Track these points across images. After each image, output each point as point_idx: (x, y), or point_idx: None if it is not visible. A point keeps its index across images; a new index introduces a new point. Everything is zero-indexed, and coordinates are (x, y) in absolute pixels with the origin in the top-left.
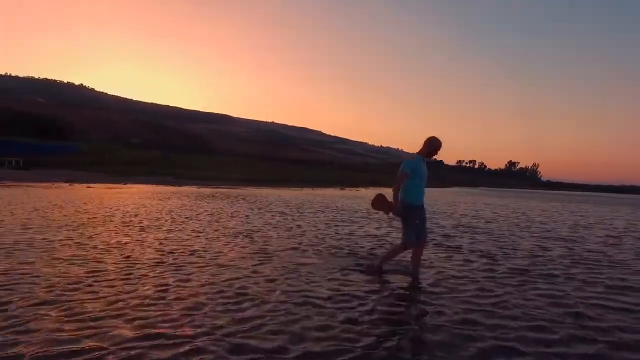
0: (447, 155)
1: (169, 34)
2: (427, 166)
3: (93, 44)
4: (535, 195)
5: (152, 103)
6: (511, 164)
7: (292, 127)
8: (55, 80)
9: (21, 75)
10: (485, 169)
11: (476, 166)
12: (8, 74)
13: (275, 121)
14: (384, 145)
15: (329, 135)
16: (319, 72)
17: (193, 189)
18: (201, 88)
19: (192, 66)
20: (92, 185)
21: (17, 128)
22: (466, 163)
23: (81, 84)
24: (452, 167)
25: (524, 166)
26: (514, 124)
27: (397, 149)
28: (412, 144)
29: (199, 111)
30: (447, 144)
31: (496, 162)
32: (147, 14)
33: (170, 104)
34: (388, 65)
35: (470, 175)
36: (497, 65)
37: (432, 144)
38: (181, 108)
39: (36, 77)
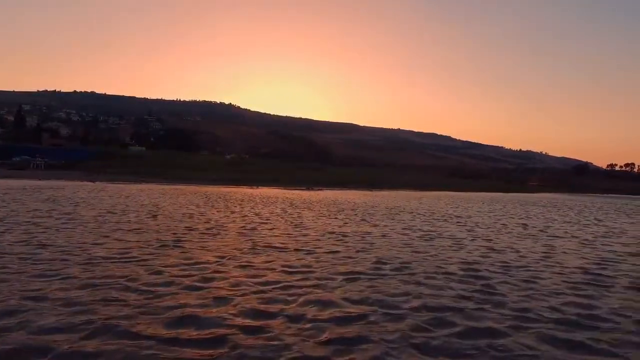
0: (594, 157)
1: (299, 51)
2: None
3: (240, 68)
4: None
5: (285, 116)
6: None
7: (420, 133)
8: (211, 101)
9: (187, 99)
10: None
11: (635, 170)
12: (178, 100)
13: (401, 128)
14: (524, 149)
15: (459, 140)
16: (446, 75)
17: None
18: (329, 99)
19: (321, 78)
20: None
21: (172, 142)
22: (621, 167)
23: (230, 103)
24: (602, 171)
25: None
26: None
27: (541, 152)
28: (556, 147)
29: (327, 121)
30: (595, 145)
31: None
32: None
33: (302, 116)
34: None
35: (627, 182)
36: None
37: None
38: (310, 119)
39: (198, 99)
